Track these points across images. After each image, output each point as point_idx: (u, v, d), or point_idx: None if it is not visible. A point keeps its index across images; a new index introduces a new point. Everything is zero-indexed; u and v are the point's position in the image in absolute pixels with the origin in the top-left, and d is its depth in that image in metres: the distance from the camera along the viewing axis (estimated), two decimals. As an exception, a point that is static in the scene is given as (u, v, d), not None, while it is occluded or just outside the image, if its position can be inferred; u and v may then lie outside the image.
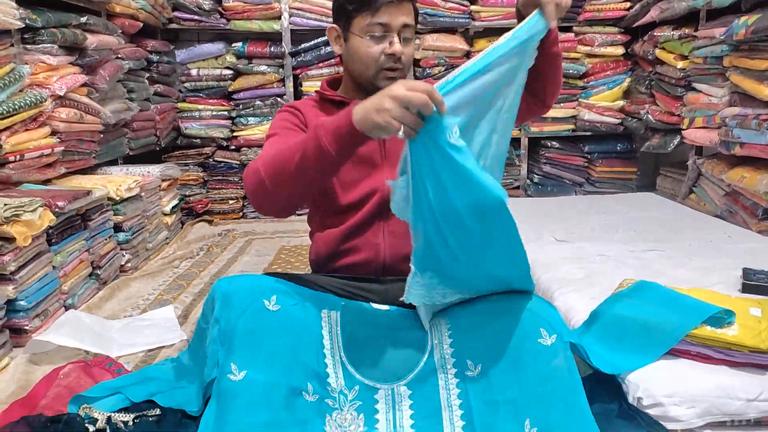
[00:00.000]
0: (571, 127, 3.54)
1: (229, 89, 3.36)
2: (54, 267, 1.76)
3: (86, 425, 1.11)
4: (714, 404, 1.14)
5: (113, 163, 2.71)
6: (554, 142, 3.56)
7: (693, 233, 2.32)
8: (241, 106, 3.37)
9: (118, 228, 2.23)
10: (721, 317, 1.22)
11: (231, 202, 3.37)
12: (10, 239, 1.55)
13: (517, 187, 3.60)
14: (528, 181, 3.62)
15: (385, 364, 1.09)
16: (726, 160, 2.68)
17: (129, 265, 2.27)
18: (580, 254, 2.06)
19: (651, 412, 1.15)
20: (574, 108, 3.51)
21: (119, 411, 1.18)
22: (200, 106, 3.37)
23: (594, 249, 2.12)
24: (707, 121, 2.75)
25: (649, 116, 3.21)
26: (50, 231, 1.74)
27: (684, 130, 2.92)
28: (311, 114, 1.27)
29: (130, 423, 1.14)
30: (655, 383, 1.17)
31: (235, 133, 3.39)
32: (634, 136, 3.55)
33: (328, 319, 1.10)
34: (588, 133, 3.56)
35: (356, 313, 1.13)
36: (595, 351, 1.21)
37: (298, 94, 3.40)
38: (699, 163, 2.91)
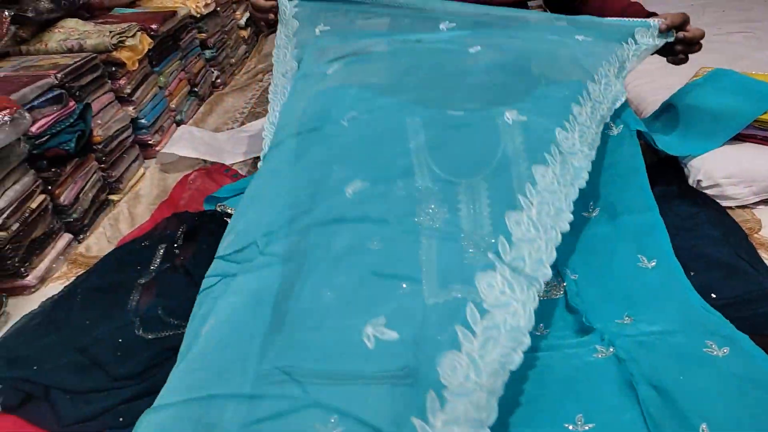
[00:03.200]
0: None
1: None
2: (160, 87, 1.95)
3: (224, 218, 1.37)
4: (772, 182, 1.24)
5: (183, -23, 2.74)
6: None
7: (788, 9, 2.18)
8: None
9: (204, 45, 2.35)
10: (793, 102, 1.26)
11: (299, 8, 3.36)
12: (121, 65, 1.72)
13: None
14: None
15: (463, 156, 1.19)
16: None
17: (219, 80, 2.44)
18: (660, 42, 2.02)
19: (709, 192, 1.27)
20: None
21: (246, 206, 1.44)
22: None
23: (675, 35, 2.06)
24: None
25: None
26: (150, 54, 1.89)
27: None
28: None
29: (258, 215, 1.39)
30: (715, 165, 1.27)
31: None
32: None
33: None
34: None
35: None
36: (661, 137, 1.30)
37: None
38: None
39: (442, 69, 1.08)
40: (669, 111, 1.41)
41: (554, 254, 0.79)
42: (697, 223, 1.22)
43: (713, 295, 1.03)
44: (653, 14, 1.24)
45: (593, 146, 1.00)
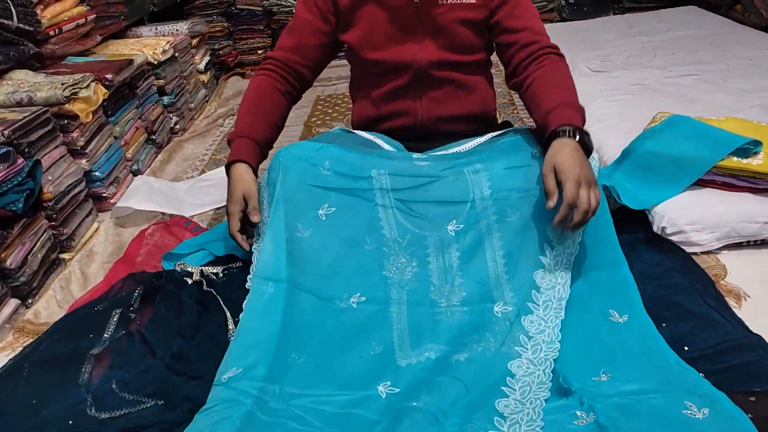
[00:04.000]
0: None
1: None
2: (115, 137, 1.89)
3: (184, 278, 1.31)
4: (734, 228, 1.26)
5: (140, 22, 2.70)
6: (591, -45, 3.30)
7: (734, 51, 2.27)
8: (256, -55, 3.19)
9: (161, 92, 2.31)
10: (749, 148, 1.29)
11: (259, 52, 3.35)
12: (74, 117, 1.66)
13: (551, 10, 3.44)
14: (563, 1, 3.44)
15: (432, 213, 1.21)
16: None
17: (178, 126, 2.39)
18: (616, 85, 2.07)
19: (674, 238, 1.28)
20: None
21: (207, 264, 1.38)
22: (214, -52, 3.20)
23: (630, 77, 2.12)
24: None
25: None
26: (105, 104, 1.84)
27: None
28: None
29: (221, 274, 1.34)
30: (679, 213, 1.28)
31: (254, -24, 3.26)
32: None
33: (378, 177, 1.21)
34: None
35: (402, 168, 1.24)
36: (625, 188, 1.31)
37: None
38: (748, -31, 2.71)
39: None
40: (629, 158, 1.43)
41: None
42: (664, 270, 1.23)
43: (686, 348, 1.03)
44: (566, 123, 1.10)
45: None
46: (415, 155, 1.29)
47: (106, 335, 1.20)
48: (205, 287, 1.28)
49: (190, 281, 1.30)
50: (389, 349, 1.08)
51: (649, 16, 3.02)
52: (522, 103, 1.41)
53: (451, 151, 1.28)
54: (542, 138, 1.14)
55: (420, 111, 1.35)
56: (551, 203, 1.03)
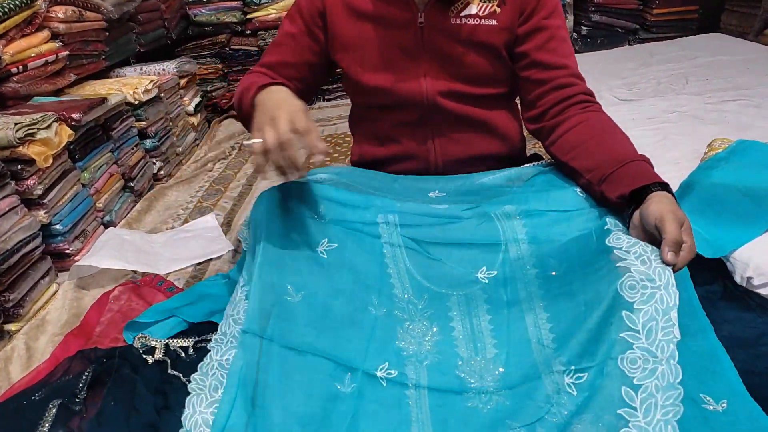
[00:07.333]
0: (623, -36, 3.11)
1: (235, -34, 3.02)
2: (83, 185, 1.65)
3: (144, 356, 1.04)
4: (839, 277, 0.99)
5: (126, 63, 2.51)
6: (604, -14, 3.15)
7: (776, 75, 2.05)
8: (250, -16, 3.04)
9: (143, 135, 2.09)
10: None
11: (256, 92, 3.16)
12: (30, 161, 1.42)
13: (563, 43, 3.26)
14: (575, 34, 3.27)
15: (454, 267, 0.96)
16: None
17: (162, 173, 2.16)
18: (650, 113, 1.85)
19: (764, 292, 1.01)
20: (626, -59, 3.05)
21: (177, 335, 1.12)
22: (207, -11, 3.06)
23: (664, 105, 1.90)
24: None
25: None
26: (71, 147, 1.61)
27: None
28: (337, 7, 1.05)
29: (190, 349, 1.07)
30: (767, 259, 1.02)
31: (248, 16, 3.10)
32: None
33: (386, 225, 0.96)
34: (642, -29, 3.12)
35: (415, 214, 0.99)
36: (695, 232, 1.05)
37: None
38: (778, -9, 2.53)
39: None
40: (692, 192, 1.18)
41: None
42: (758, 334, 0.96)
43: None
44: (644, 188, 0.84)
45: None
46: (431, 194, 1.05)
47: (37, 437, 0.92)
48: (169, 369, 1.01)
49: (151, 360, 1.04)
50: None
51: (670, 44, 2.83)
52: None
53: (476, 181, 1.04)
54: (598, 190, 0.90)
55: (433, 153, 1.11)
56: (671, 258, 0.76)
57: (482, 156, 1.13)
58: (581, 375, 0.78)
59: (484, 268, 0.92)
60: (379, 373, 0.87)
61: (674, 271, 0.76)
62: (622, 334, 0.74)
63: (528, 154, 1.23)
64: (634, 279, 0.76)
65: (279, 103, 0.88)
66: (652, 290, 0.75)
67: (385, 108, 1.10)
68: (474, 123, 1.09)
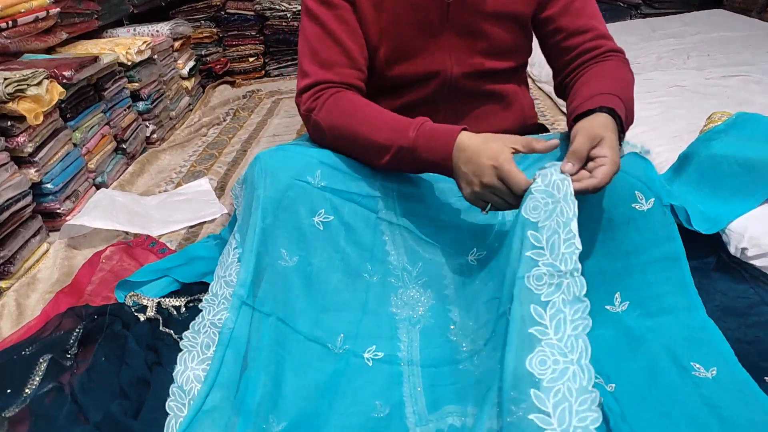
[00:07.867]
0: (627, -63, 3.05)
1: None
2: (75, 144, 1.63)
3: (135, 314, 1.03)
4: (834, 250, 0.99)
5: (119, 24, 2.46)
6: (607, -42, 3.09)
7: (778, 52, 2.03)
8: (247, -54, 2.97)
9: (136, 97, 2.05)
10: None
11: (251, 60, 3.11)
12: (21, 118, 1.40)
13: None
14: (576, 7, 3.22)
15: (451, 236, 0.96)
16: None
17: (155, 136, 2.13)
18: (650, 87, 1.83)
19: (757, 263, 1.01)
20: None
21: (169, 295, 1.11)
22: (202, -50, 2.98)
23: (665, 79, 1.88)
24: None
25: None
26: (63, 105, 1.58)
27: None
28: None
29: (183, 308, 1.06)
30: (762, 230, 1.02)
31: (245, -21, 3.03)
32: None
33: (383, 189, 0.95)
34: (646, -56, 3.07)
35: (414, 183, 0.98)
36: (692, 204, 1.05)
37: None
38: (784, -33, 2.50)
39: None
40: (690, 164, 1.17)
41: None
42: (750, 303, 0.96)
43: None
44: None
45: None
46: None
47: (27, 390, 0.92)
48: (161, 326, 1.00)
49: (143, 317, 1.03)
50: (398, 411, 0.82)
51: (671, 19, 2.79)
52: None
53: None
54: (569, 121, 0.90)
55: None
56: (569, 167, 0.77)
57: (496, 131, 1.10)
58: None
59: (475, 249, 0.93)
60: (366, 355, 0.88)
61: (598, 187, 0.76)
62: (527, 253, 0.73)
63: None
64: (536, 199, 0.75)
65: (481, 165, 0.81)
66: (553, 205, 0.74)
67: (399, 87, 1.04)
68: (491, 98, 1.06)
